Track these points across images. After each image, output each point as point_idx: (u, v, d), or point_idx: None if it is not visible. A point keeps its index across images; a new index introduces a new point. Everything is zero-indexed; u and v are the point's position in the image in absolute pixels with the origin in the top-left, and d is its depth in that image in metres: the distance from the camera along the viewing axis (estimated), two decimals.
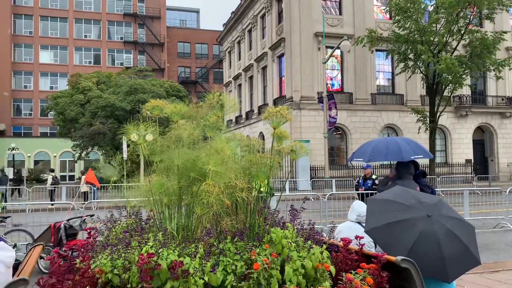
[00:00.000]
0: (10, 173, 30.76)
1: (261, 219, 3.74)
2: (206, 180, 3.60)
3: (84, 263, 3.46)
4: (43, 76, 55.65)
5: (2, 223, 8.94)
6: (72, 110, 33.03)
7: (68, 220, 7.81)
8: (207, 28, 64.03)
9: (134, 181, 4.22)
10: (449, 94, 26.62)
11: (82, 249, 3.62)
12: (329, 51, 28.20)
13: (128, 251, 3.27)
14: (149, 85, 34.53)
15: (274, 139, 4.06)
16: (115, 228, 4.09)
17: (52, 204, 16.54)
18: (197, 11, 74.44)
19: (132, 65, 52.25)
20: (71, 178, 48.39)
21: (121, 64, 56.41)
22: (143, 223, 3.89)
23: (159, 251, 3.14)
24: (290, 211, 3.88)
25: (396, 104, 32.39)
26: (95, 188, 20.79)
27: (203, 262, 3.12)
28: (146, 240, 3.36)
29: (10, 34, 53.46)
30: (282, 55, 32.18)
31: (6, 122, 52.15)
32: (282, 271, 3.28)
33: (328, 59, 27.10)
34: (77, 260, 3.54)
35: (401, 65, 26.49)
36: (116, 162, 5.06)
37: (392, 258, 3.32)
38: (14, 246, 7.94)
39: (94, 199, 19.78)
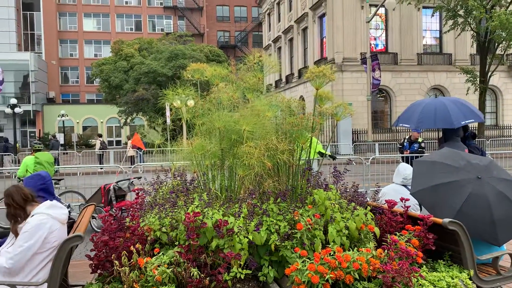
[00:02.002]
0: (61, 138, 32.27)
1: (303, 180, 3.74)
2: (247, 142, 3.61)
3: (134, 222, 3.62)
4: (87, 44, 57.03)
5: (57, 185, 9.46)
6: (116, 77, 33.86)
7: (117, 182, 8.14)
8: None
9: (177, 145, 4.30)
10: (502, 52, 25.01)
11: (131, 209, 3.77)
12: (373, 9, 26.97)
13: (175, 210, 3.38)
14: (189, 50, 34.66)
15: (316, 100, 3.98)
16: (162, 189, 4.23)
17: (101, 168, 17.31)
18: None
19: (172, 31, 52.41)
20: (118, 143, 50.20)
21: (162, 30, 56.74)
22: (187, 184, 3.98)
23: (204, 210, 3.22)
24: (333, 173, 3.85)
25: (443, 64, 30.90)
26: (141, 152, 21.50)
27: (247, 222, 3.17)
28: (192, 200, 3.45)
29: (55, 3, 54.76)
30: (323, 15, 31.18)
31: (55, 89, 54.31)
32: (325, 232, 3.30)
33: (371, 18, 26.00)
34: (127, 219, 3.71)
35: (450, 22, 25.00)
36: (159, 126, 5.16)
37: (439, 220, 3.25)
38: (68, 206, 8.42)
39: (140, 162, 20.49)
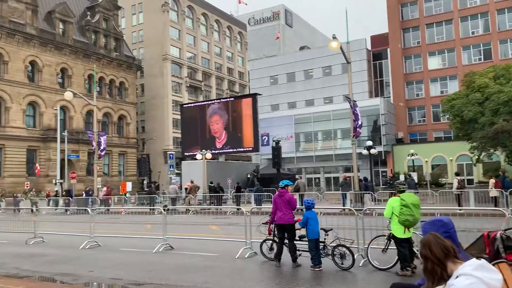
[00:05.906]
0: (415, 177, 32.39)
1: None
2: None
3: None
4: (433, 82, 56.65)
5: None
6: (469, 111, 31.33)
7: (505, 230, 6.70)
8: None
9: None
10: None
11: None
12: None
13: None
14: None
15: None
16: None
17: (460, 209, 15.89)
18: None
19: None
20: (469, 182, 46.29)
21: None
22: None
23: None
24: None
25: None
26: (507, 193, 18.55)
27: None
28: None
29: (401, 48, 57.62)
30: None
31: (403, 130, 56.19)
32: None
33: None
34: None
35: None
36: None
37: None
38: None
39: (506, 205, 17.68)
